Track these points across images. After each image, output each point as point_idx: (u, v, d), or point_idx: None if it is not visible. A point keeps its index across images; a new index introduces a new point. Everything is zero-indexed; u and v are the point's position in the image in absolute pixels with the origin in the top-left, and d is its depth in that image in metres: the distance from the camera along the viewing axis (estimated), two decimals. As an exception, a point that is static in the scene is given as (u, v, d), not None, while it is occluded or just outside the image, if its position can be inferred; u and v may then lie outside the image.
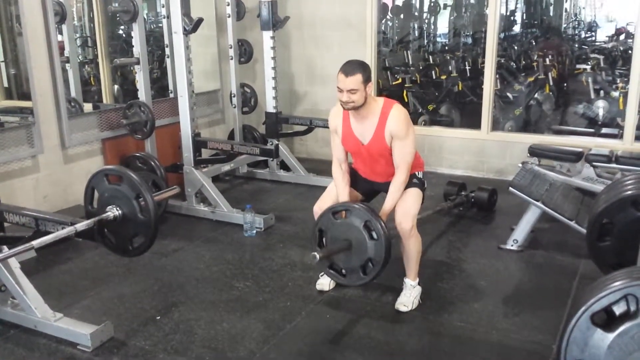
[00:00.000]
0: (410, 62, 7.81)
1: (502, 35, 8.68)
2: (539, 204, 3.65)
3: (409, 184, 3.02)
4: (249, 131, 5.63)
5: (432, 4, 9.49)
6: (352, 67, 2.81)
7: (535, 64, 7.55)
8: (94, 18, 5.30)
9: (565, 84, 7.71)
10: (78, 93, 4.77)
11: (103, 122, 4.51)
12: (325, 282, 3.28)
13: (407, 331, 2.90)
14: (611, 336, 1.75)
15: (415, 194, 3.01)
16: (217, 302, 3.18)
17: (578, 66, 7.97)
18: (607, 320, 1.78)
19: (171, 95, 5.13)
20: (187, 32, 4.19)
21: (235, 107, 5.44)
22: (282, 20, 5.15)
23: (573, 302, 3.08)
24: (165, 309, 3.12)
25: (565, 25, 11.62)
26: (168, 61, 4.98)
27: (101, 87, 5.34)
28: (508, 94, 6.83)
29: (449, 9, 9.70)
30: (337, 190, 3.08)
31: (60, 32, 4.59)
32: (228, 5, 5.15)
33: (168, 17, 4.52)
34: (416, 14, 9.49)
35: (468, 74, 7.62)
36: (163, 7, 4.80)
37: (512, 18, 10.64)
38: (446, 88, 7.30)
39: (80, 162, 4.37)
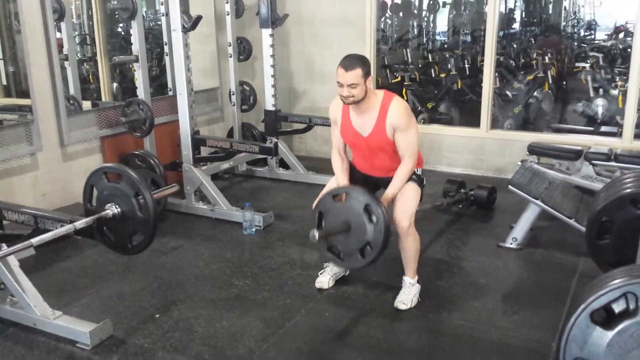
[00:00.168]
0: (410, 60, 7.81)
1: (501, 33, 8.68)
2: (538, 202, 3.65)
3: (408, 181, 3.01)
4: (248, 129, 5.62)
5: (431, 2, 9.47)
6: (352, 61, 2.80)
7: (534, 62, 7.56)
8: (93, 15, 5.29)
9: (564, 82, 7.71)
10: (77, 91, 4.77)
11: (102, 119, 4.50)
12: (324, 280, 3.28)
13: (407, 329, 2.90)
14: (610, 334, 1.75)
15: (413, 191, 3.00)
16: (216, 300, 3.18)
17: (577, 64, 7.97)
18: (606, 318, 1.78)
19: (170, 93, 5.12)
20: (186, 30, 4.18)
21: (234, 105, 5.43)
22: (281, 18, 5.14)
23: (572, 300, 3.09)
24: (164, 307, 3.12)
25: (564, 23, 11.62)
26: (167, 59, 4.97)
27: (100, 84, 5.33)
28: (507, 92, 6.83)
29: (448, 6, 9.69)
30: (336, 176, 3.10)
31: (59, 30, 4.58)
32: (227, 2, 5.14)
33: (167, 14, 4.51)
34: (415, 11, 9.49)
35: (467, 72, 7.62)
36: (162, 4, 4.78)
37: (511, 16, 10.64)
38: (445, 86, 7.30)
39: (79, 160, 4.37)
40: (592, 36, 11.19)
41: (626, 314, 1.75)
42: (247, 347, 2.74)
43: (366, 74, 2.79)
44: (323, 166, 5.07)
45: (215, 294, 3.26)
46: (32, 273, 3.18)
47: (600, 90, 6.69)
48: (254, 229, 4.15)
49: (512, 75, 7.37)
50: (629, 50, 5.37)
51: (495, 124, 5.76)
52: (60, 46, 4.52)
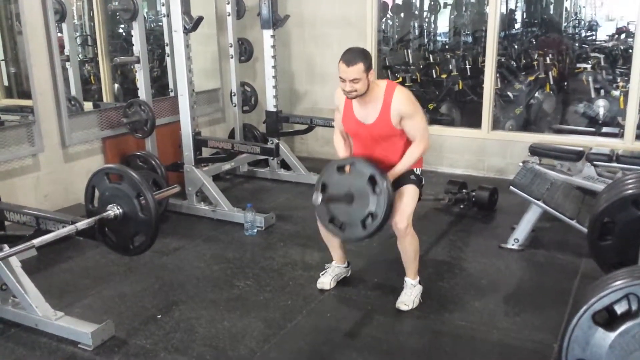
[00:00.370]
0: (411, 61, 7.81)
1: (502, 34, 8.67)
2: (539, 203, 3.65)
3: (406, 181, 3.00)
4: (250, 130, 5.62)
5: (432, 3, 9.47)
6: (353, 55, 2.80)
7: (535, 62, 7.54)
8: (94, 16, 5.30)
9: (565, 83, 7.69)
10: (78, 92, 4.77)
11: (103, 120, 4.50)
12: (326, 281, 3.28)
13: (408, 330, 2.90)
14: (612, 335, 1.75)
15: (411, 192, 3.00)
16: (217, 301, 3.18)
17: (578, 65, 7.94)
18: (608, 319, 1.78)
19: (171, 94, 5.12)
20: (187, 31, 4.19)
21: (235, 106, 5.43)
22: (282, 19, 5.15)
23: (574, 301, 3.08)
24: (166, 307, 3.12)
25: (565, 24, 11.61)
26: (168, 60, 4.97)
27: (101, 85, 5.34)
28: (508, 93, 6.82)
29: (449, 7, 9.69)
30: (338, 153, 3.14)
31: (60, 31, 4.59)
32: (228, 3, 5.15)
33: (168, 15, 4.52)
34: (416, 12, 9.49)
35: (468, 73, 7.61)
36: (163, 5, 4.80)
37: (512, 17, 10.63)
38: (446, 87, 7.29)
39: (80, 161, 4.37)
40: (594, 37, 11.18)
41: (628, 315, 1.75)
42: (248, 347, 2.74)
43: (368, 68, 2.80)
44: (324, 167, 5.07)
45: (217, 294, 3.26)
46: (34, 274, 3.18)
47: (602, 91, 6.68)
48: (255, 230, 4.15)
49: (514, 76, 7.36)
50: (630, 51, 5.37)
51: (496, 124, 5.75)
52: (61, 47, 4.52)
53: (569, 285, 3.28)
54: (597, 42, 10.16)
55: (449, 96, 7.21)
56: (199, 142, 4.51)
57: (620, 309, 1.76)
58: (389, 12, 8.63)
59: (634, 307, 1.74)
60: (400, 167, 2.95)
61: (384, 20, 8.31)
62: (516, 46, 8.76)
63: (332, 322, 2.97)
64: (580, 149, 4.41)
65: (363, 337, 2.83)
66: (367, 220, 2.84)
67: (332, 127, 3.33)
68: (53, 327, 2.81)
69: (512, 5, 10.77)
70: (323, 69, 5.89)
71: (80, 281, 3.44)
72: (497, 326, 2.90)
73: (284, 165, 5.46)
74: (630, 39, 8.43)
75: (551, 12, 11.92)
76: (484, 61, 5.55)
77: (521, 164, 4.26)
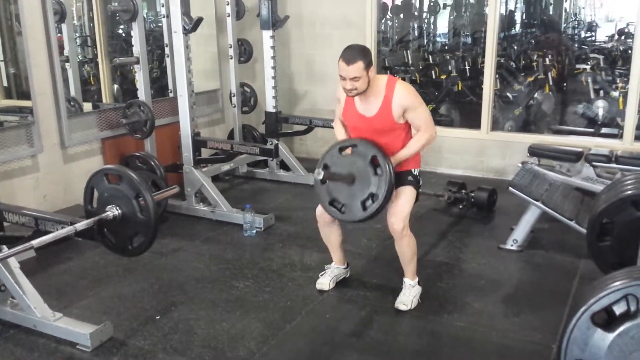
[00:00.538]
0: (410, 62, 7.81)
1: (501, 34, 8.67)
2: (538, 203, 3.65)
3: (404, 182, 3.00)
4: (249, 131, 5.62)
5: (431, 4, 9.48)
6: (353, 53, 2.80)
7: (535, 63, 7.55)
8: (94, 17, 5.29)
9: (565, 84, 7.70)
10: (77, 92, 4.77)
11: (103, 121, 4.50)
12: (325, 282, 3.28)
13: (407, 331, 2.90)
14: (611, 336, 1.75)
15: (408, 193, 2.99)
16: (216, 302, 3.18)
17: (578, 66, 7.95)
18: (607, 320, 1.78)
19: (171, 95, 5.12)
20: (186, 32, 4.19)
21: (234, 107, 5.43)
22: (281, 20, 5.15)
23: (573, 302, 3.08)
24: (164, 308, 3.12)
25: (565, 25, 11.62)
26: (168, 60, 4.97)
27: (101, 86, 5.34)
28: (508, 94, 6.83)
29: (448, 8, 9.70)
30: (338, 137, 3.15)
31: (60, 31, 4.58)
32: (228, 4, 5.15)
33: (168, 16, 4.52)
34: (416, 13, 9.49)
35: (468, 74, 7.61)
36: (163, 6, 4.80)
37: (511, 18, 10.64)
38: (446, 88, 7.29)
39: (79, 162, 4.37)
40: (593, 38, 11.19)
41: (627, 315, 1.75)
42: (247, 348, 2.73)
43: (368, 65, 2.80)
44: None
45: (216, 295, 3.26)
46: (33, 275, 3.17)
47: (601, 91, 6.68)
48: (254, 231, 4.15)
49: (513, 77, 7.37)
50: (630, 51, 5.37)
51: (495, 125, 5.76)
52: (61, 48, 4.52)
53: (567, 286, 3.28)
54: (597, 43, 10.17)
55: (448, 97, 7.21)
56: (198, 143, 4.51)
57: (619, 309, 1.76)
58: (389, 12, 8.63)
59: (633, 307, 1.74)
60: (404, 152, 2.97)
61: (383, 21, 8.31)
62: (515, 47, 8.76)
63: (332, 322, 2.97)
64: (580, 149, 4.42)
65: (362, 338, 2.83)
66: (367, 202, 2.85)
67: (332, 127, 3.33)
68: (51, 328, 2.81)
69: (511, 6, 10.77)
70: (322, 70, 5.89)
71: (78, 282, 3.44)
72: (496, 327, 2.90)
73: (283, 166, 5.46)
74: (629, 40, 8.44)
75: (550, 13, 11.93)
76: (483, 62, 5.56)
77: (520, 165, 4.27)
